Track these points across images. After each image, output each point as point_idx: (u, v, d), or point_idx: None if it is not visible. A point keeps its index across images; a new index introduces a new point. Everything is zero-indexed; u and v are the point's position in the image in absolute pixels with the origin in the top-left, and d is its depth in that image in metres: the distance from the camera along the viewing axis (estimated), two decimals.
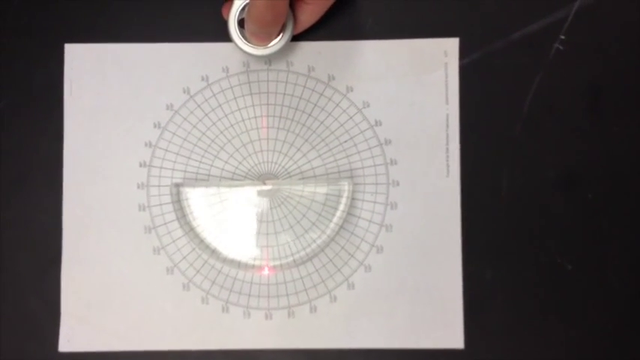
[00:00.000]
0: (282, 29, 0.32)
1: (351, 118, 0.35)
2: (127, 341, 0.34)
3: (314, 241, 0.34)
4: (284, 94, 0.35)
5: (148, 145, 0.35)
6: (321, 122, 0.35)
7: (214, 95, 0.35)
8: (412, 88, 0.35)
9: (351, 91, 0.35)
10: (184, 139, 0.35)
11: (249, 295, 0.34)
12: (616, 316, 0.34)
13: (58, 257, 0.34)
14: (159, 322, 0.34)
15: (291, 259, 0.34)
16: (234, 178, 0.35)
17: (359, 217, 0.35)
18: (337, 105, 0.35)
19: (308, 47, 0.35)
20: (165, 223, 0.35)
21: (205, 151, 0.35)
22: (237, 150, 0.35)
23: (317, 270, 0.34)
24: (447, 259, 0.34)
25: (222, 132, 0.35)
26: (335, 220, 0.34)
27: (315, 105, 0.35)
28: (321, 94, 0.35)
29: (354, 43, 0.35)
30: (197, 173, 0.35)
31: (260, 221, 0.34)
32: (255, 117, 0.35)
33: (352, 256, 0.34)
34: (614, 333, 0.34)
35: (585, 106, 0.35)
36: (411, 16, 0.35)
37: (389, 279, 0.34)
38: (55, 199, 0.35)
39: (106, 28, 0.35)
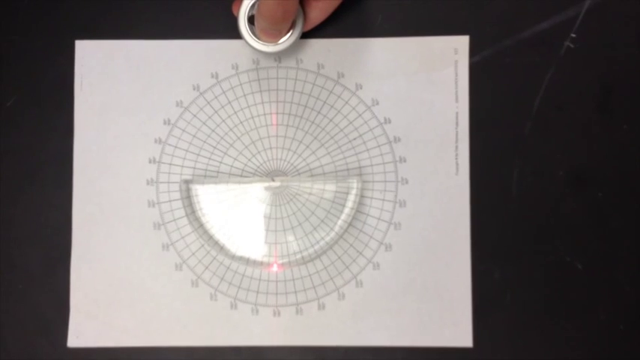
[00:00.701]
0: (292, 26, 0.32)
1: (360, 115, 0.35)
2: (136, 337, 0.34)
3: (322, 238, 0.34)
4: (293, 91, 0.35)
5: (158, 141, 0.35)
6: (331, 120, 0.35)
7: (224, 92, 0.35)
8: (422, 86, 0.35)
9: (361, 88, 0.35)
10: (194, 136, 0.35)
11: (258, 292, 0.34)
12: (626, 315, 0.34)
13: (67, 253, 0.35)
14: (167, 318, 0.34)
15: (299, 256, 0.34)
16: (243, 175, 0.35)
17: (367, 215, 0.35)
18: (346, 102, 0.35)
19: (318, 44, 0.35)
20: (174, 220, 0.35)
21: (214, 147, 0.35)
22: (246, 147, 0.35)
23: (325, 267, 0.34)
24: (455, 258, 0.34)
25: (231, 129, 0.35)
26: (343, 217, 0.34)
27: (325, 102, 0.35)
28: (331, 92, 0.35)
29: (363, 41, 0.35)
30: (206, 170, 0.35)
31: (269, 218, 0.34)
32: (265, 114, 0.35)
33: (361, 253, 0.34)
34: (623, 333, 0.34)
35: (596, 105, 0.35)
36: (421, 14, 0.35)
37: (397, 277, 0.34)
38: (65, 195, 0.35)
39: (116, 25, 0.35)
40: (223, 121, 0.35)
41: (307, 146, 0.35)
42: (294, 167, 0.35)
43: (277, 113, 0.35)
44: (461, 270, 0.34)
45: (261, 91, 0.35)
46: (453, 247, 0.34)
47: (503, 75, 0.35)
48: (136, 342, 0.34)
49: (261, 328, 0.34)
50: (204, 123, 0.35)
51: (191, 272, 0.34)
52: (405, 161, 0.35)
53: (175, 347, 0.34)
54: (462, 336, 0.34)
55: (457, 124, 0.35)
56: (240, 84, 0.35)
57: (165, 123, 0.35)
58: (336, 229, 0.34)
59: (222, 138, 0.35)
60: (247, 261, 0.34)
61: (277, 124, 0.35)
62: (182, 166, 0.35)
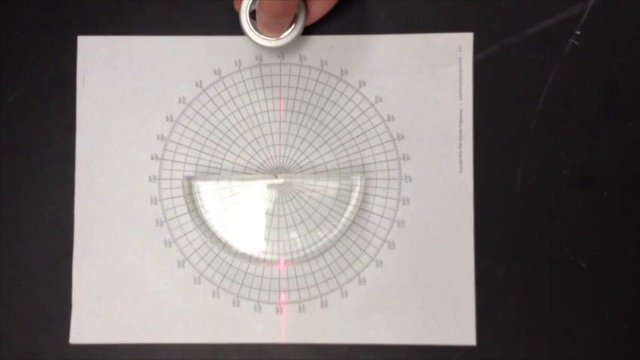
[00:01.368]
0: (294, 20, 0.32)
1: (363, 112, 0.35)
2: (138, 334, 0.34)
3: (325, 235, 0.34)
4: (296, 87, 0.35)
5: (160, 138, 0.35)
6: (334, 116, 0.35)
7: (227, 88, 0.35)
8: (425, 83, 0.35)
9: (364, 85, 0.35)
10: (196, 133, 0.35)
11: (260, 289, 0.34)
12: (630, 314, 0.34)
13: (69, 250, 0.34)
14: (169, 315, 0.34)
15: (302, 253, 0.34)
16: (246, 172, 0.35)
17: (371, 212, 0.34)
18: (350, 99, 0.35)
19: (321, 41, 0.35)
20: (176, 217, 0.34)
21: (217, 144, 0.35)
22: (249, 144, 0.35)
23: (328, 265, 0.34)
24: (459, 256, 0.34)
25: (234, 125, 0.35)
26: (347, 214, 0.34)
27: (328, 99, 0.35)
28: (334, 89, 0.35)
29: (367, 38, 0.35)
30: (209, 166, 0.35)
31: (271, 215, 0.34)
32: (268, 111, 0.35)
33: (364, 251, 0.34)
34: (627, 332, 0.34)
35: (601, 102, 0.34)
36: (425, 11, 0.35)
37: (400, 275, 0.34)
38: (67, 191, 0.35)
39: (118, 21, 0.35)
40: (226, 117, 0.35)
41: (310, 143, 0.35)
42: (297, 164, 0.35)
43: (280, 110, 0.35)
44: (464, 268, 0.34)
45: (264, 88, 0.35)
46: (456, 245, 0.34)
47: (507, 72, 0.35)
48: (137, 339, 0.34)
49: (263, 325, 0.34)
50: (206, 119, 0.35)
51: (193, 269, 0.34)
52: (408, 159, 0.35)
53: (177, 344, 0.34)
54: (465, 334, 0.34)
55: (461, 121, 0.35)
56: (243, 80, 0.35)
57: (167, 119, 0.35)
58: (339, 226, 0.34)
59: (224, 135, 0.35)
60: (250, 258, 0.34)
61: (280, 121, 0.35)
62: (184, 163, 0.35)
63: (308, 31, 0.34)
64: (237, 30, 0.33)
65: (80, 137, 0.35)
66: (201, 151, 0.35)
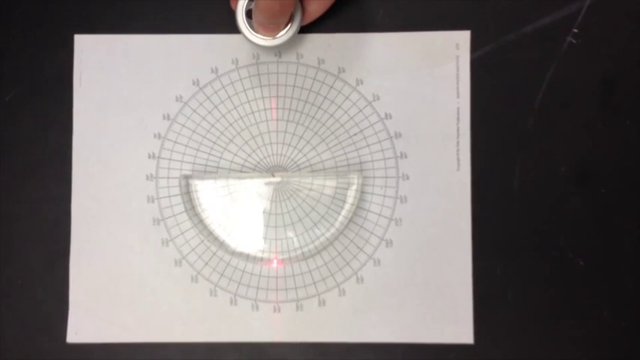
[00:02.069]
0: (290, 20, 0.32)
1: (361, 110, 0.35)
2: (135, 333, 0.34)
3: (323, 234, 0.34)
4: (294, 86, 0.35)
5: (157, 136, 0.35)
6: (331, 115, 0.35)
7: (224, 87, 0.35)
8: (423, 81, 0.35)
9: (361, 83, 0.35)
10: (193, 131, 0.35)
11: (258, 288, 0.34)
12: (628, 313, 0.34)
13: (66, 249, 0.34)
14: (167, 314, 0.34)
15: (299, 252, 0.34)
16: (243, 171, 0.35)
17: (368, 211, 0.34)
18: (347, 98, 0.35)
19: (318, 39, 0.35)
20: (173, 215, 0.34)
21: (214, 142, 0.35)
22: (246, 142, 0.35)
23: (326, 263, 0.34)
24: (456, 254, 0.34)
25: (231, 124, 0.35)
26: (344, 213, 0.34)
27: (325, 97, 0.35)
28: (331, 87, 0.35)
29: (364, 36, 0.35)
30: (206, 165, 0.35)
31: (269, 214, 0.34)
32: (265, 109, 0.35)
33: (361, 249, 0.34)
34: (625, 330, 0.34)
35: (598, 100, 0.34)
36: (423, 9, 0.35)
37: (398, 273, 0.34)
38: (64, 190, 0.35)
39: (115, 19, 0.35)
40: (223, 116, 0.35)
41: (308, 142, 0.35)
42: (295, 163, 0.35)
43: (277, 108, 0.35)
44: (462, 266, 0.34)
45: (261, 86, 0.35)
46: (454, 243, 0.34)
47: (504, 70, 0.35)
48: (135, 338, 0.34)
49: (261, 324, 0.34)
50: (203, 118, 0.35)
51: (191, 268, 0.34)
52: (406, 157, 0.35)
53: (175, 343, 0.34)
54: (463, 333, 0.34)
55: (458, 119, 0.34)
56: (240, 79, 0.35)
57: (164, 118, 0.35)
58: (337, 225, 0.34)
59: (221, 133, 0.35)
60: (247, 257, 0.34)
61: (277, 120, 0.35)
62: (182, 162, 0.35)
63: (305, 29, 0.34)
64: (234, 28, 0.33)
65: (77, 136, 0.35)
66: (198, 150, 0.35)
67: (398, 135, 0.35)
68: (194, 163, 0.35)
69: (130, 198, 0.34)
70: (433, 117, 0.35)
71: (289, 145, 0.35)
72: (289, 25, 0.32)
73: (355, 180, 0.34)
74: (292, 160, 0.35)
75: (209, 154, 0.35)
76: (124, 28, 0.35)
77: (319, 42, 0.35)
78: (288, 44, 0.33)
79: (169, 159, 0.35)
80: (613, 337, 0.34)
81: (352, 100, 0.35)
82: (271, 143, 0.35)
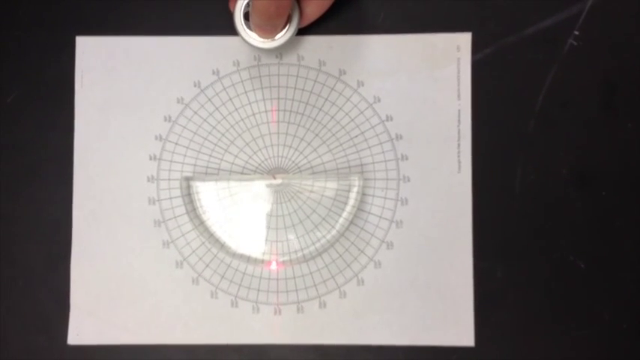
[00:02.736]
0: (288, 22, 0.32)
1: (361, 112, 0.35)
2: (136, 335, 0.34)
3: (324, 236, 0.34)
4: (295, 88, 0.35)
5: (159, 138, 0.35)
6: (332, 117, 0.35)
7: (225, 89, 0.35)
8: (424, 84, 0.35)
9: (362, 85, 0.35)
10: (195, 133, 0.35)
11: (259, 290, 0.34)
12: (628, 314, 0.34)
13: (67, 250, 0.34)
14: (168, 316, 0.34)
15: (300, 254, 0.34)
16: (244, 172, 0.35)
17: (369, 213, 0.34)
18: (348, 99, 0.35)
19: (319, 41, 0.35)
20: (174, 217, 0.34)
21: (215, 144, 0.35)
22: (247, 144, 0.35)
23: (326, 265, 0.34)
24: (458, 256, 0.34)
25: (232, 126, 0.35)
26: (345, 215, 0.34)
27: (326, 99, 0.35)
28: (332, 89, 0.35)
29: (365, 38, 0.35)
30: (207, 167, 0.35)
31: (270, 216, 0.34)
32: (266, 111, 0.35)
33: (362, 251, 0.34)
34: (626, 332, 0.34)
35: (599, 103, 0.34)
36: (423, 11, 0.35)
37: (399, 275, 0.34)
38: (66, 192, 0.35)
39: (117, 21, 0.35)
40: (224, 117, 0.35)
41: (309, 144, 0.35)
42: (296, 165, 0.35)
43: (278, 110, 0.35)
44: (463, 268, 0.34)
45: (262, 88, 0.35)
46: (455, 245, 0.34)
47: (505, 72, 0.35)
48: (136, 340, 0.34)
49: (261, 326, 0.34)
50: (205, 120, 0.35)
51: (192, 270, 0.34)
52: (407, 159, 0.35)
53: (176, 345, 0.34)
54: (463, 335, 0.34)
55: (459, 121, 0.34)
56: (242, 81, 0.35)
57: (165, 120, 0.35)
58: (338, 227, 0.34)
59: (223, 135, 0.35)
60: (248, 259, 0.34)
61: (278, 121, 0.35)
62: (183, 163, 0.35)
63: (306, 31, 0.34)
64: (235, 30, 0.33)
65: (78, 138, 0.35)
66: (199, 152, 0.35)
67: (399, 137, 0.35)
68: (195, 165, 0.35)
69: (131, 200, 0.35)
70: (434, 119, 0.35)
71: (290, 147, 0.35)
72: (287, 27, 0.32)
73: (356, 182, 0.34)
74: (293, 162, 0.35)
75: (210, 155, 0.35)
76: (126, 29, 0.35)
77: (320, 44, 0.35)
78: (289, 46, 0.33)
79: (170, 161, 0.35)
80: (614, 340, 0.34)
81: (353, 102, 0.35)
82: (272, 145, 0.35)
